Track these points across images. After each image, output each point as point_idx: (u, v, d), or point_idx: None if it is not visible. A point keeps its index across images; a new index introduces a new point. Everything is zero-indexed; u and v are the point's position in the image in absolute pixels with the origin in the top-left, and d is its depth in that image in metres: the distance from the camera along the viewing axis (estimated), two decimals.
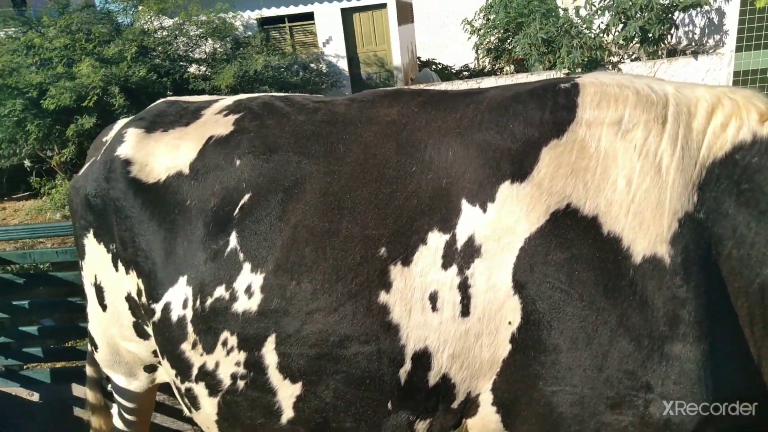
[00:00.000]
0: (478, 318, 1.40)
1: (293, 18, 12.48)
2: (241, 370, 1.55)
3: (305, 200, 1.53)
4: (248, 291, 1.52)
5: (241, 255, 1.54)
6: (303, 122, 1.67)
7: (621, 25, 8.78)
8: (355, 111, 1.66)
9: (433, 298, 1.41)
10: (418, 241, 1.43)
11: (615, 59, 9.28)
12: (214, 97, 2.02)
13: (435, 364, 1.43)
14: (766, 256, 1.34)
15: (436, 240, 1.42)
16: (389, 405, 1.48)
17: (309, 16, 12.38)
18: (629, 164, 1.35)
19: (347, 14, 12.37)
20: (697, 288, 1.31)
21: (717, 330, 1.36)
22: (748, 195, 1.33)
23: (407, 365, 1.44)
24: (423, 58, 15.61)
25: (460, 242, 1.41)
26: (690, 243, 1.32)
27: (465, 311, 1.40)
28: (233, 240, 1.56)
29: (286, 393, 1.52)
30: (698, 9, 8.69)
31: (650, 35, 8.57)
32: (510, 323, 1.38)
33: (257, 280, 1.51)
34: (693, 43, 9.39)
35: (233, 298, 1.54)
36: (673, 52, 9.38)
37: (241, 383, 1.57)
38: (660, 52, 9.09)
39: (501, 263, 1.38)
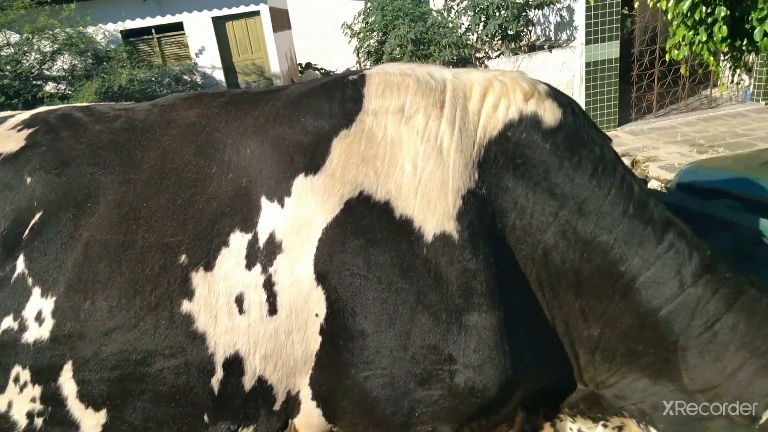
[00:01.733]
0: (286, 315, 1.39)
1: (161, 29, 11.93)
2: (38, 406, 1.43)
3: (98, 213, 1.44)
4: (38, 318, 1.41)
5: (30, 279, 1.43)
6: (100, 131, 1.58)
7: (482, 24, 9.27)
8: (155, 116, 1.60)
9: (240, 301, 1.39)
10: (221, 244, 1.40)
11: (481, 56, 9.77)
12: (12, 113, 1.86)
13: (248, 368, 1.41)
14: (545, 224, 1.45)
15: (239, 241, 1.40)
16: (205, 418, 1.43)
17: (178, 27, 11.90)
18: (414, 148, 1.40)
19: (219, 23, 12.03)
20: (486, 259, 1.39)
21: (510, 297, 1.45)
22: (523, 169, 1.43)
23: (219, 374, 1.40)
24: (304, 65, 15.57)
25: (262, 240, 1.39)
26: (475, 218, 1.39)
27: (272, 310, 1.39)
28: (20, 264, 1.44)
29: (90, 423, 1.42)
30: (550, 6, 9.37)
31: (509, 32, 9.12)
32: (317, 315, 1.39)
33: (48, 304, 1.41)
34: (549, 39, 10.10)
35: (22, 327, 1.41)
36: (532, 48, 10.04)
37: (39, 421, 1.44)
38: (522, 48, 9.69)
39: (302, 256, 1.38)
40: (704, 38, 4.37)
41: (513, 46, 9.50)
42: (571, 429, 1.85)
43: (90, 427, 1.42)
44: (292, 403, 1.48)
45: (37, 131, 1.63)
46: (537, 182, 1.43)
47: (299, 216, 1.39)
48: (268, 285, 1.38)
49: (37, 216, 1.48)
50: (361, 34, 12.31)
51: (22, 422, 1.46)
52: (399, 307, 1.36)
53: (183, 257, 1.39)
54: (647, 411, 1.58)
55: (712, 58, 4.64)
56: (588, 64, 8.97)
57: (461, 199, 1.38)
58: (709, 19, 4.33)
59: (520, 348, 1.48)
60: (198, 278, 1.38)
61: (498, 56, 9.59)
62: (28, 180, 1.52)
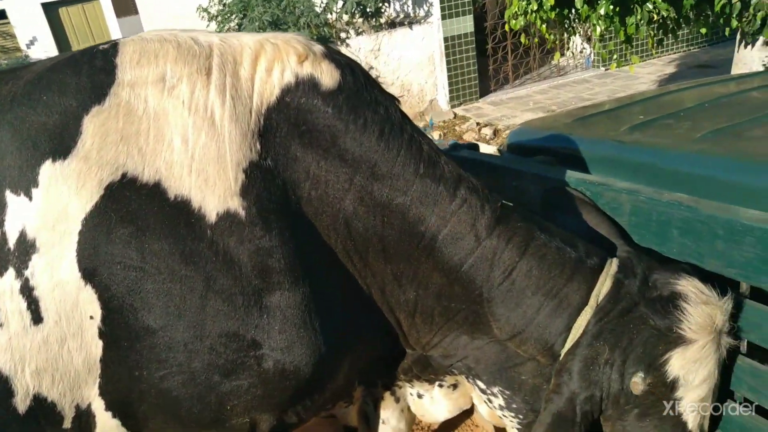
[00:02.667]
0: (55, 321, 1.22)
1: None
2: None
3: None
4: None
5: None
6: None
7: (341, 3, 9.18)
8: None
9: None
10: None
11: (343, 35, 9.70)
12: None
13: (18, 387, 1.22)
14: (341, 192, 1.39)
15: None
16: None
17: (1, 15, 10.60)
18: (181, 121, 1.27)
19: (51, 9, 10.86)
20: (280, 235, 1.30)
21: (315, 271, 1.38)
22: (308, 136, 1.36)
23: None
24: None
25: (12, 241, 1.20)
26: (262, 192, 1.30)
27: (37, 318, 1.21)
28: None
29: None
30: None
31: (368, 10, 9.12)
32: (92, 318, 1.23)
33: None
34: (408, 15, 10.26)
35: None
36: (393, 24, 10.14)
37: None
38: (382, 26, 9.75)
39: (62, 254, 1.21)
40: (535, 7, 4.63)
41: (374, 23, 9.53)
42: (411, 394, 1.86)
43: None
44: (86, 418, 1.31)
45: None
46: (326, 149, 1.36)
47: (52, 208, 1.21)
48: (27, 290, 1.20)
49: None
50: (219, 18, 11.73)
51: None
52: (186, 296, 1.24)
53: None
54: (471, 365, 1.62)
55: (544, 27, 4.93)
56: (446, 39, 9.24)
57: (243, 173, 1.28)
58: None
59: (334, 322, 1.42)
60: None
61: (359, 35, 9.57)
62: None
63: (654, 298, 1.39)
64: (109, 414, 1.31)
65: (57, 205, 1.21)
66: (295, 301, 1.32)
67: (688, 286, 1.37)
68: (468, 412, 3.16)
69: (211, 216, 1.26)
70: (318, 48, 1.41)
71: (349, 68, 1.42)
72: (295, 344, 1.33)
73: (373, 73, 8.68)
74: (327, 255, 1.42)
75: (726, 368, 1.58)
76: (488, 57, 9.92)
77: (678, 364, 1.31)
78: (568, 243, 1.50)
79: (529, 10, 4.69)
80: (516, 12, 4.95)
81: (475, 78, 9.67)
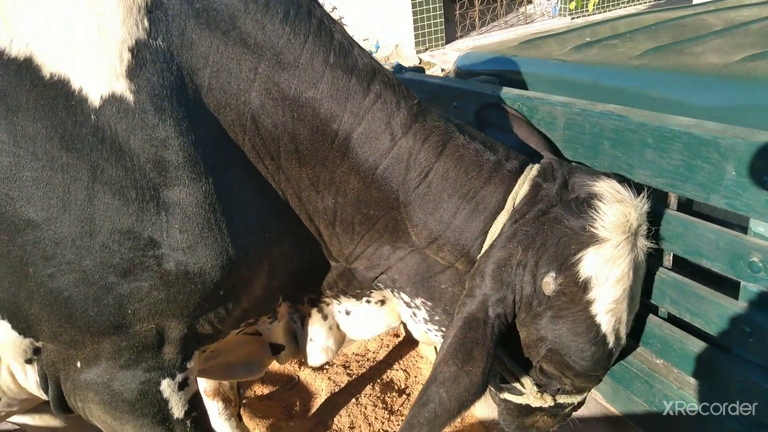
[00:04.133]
0: None
1: None
2: None
3: None
4: None
5: None
6: None
7: None
8: None
9: None
10: None
11: None
12: None
13: None
14: (246, 82, 1.28)
15: None
16: None
17: None
18: None
19: None
20: (177, 125, 1.20)
21: (219, 169, 1.28)
22: (205, 15, 1.23)
23: None
24: None
25: None
26: (154, 76, 1.18)
27: None
28: None
29: None
30: None
31: None
32: None
33: None
34: None
35: None
36: None
37: None
38: None
39: None
40: None
41: None
42: (339, 312, 1.81)
43: None
44: None
45: None
46: (225, 31, 1.25)
47: None
48: None
49: None
50: None
51: None
52: (70, 186, 1.14)
53: None
54: (395, 277, 1.57)
55: None
56: None
57: (129, 52, 1.16)
58: None
59: (244, 225, 1.34)
60: None
61: None
62: None
63: (570, 200, 1.35)
64: None
65: None
66: (197, 198, 1.23)
67: (605, 186, 1.34)
68: (408, 342, 3.19)
69: (95, 99, 1.15)
70: None
71: None
72: (198, 245, 1.25)
73: (336, 15, 8.38)
74: (233, 153, 1.32)
75: (649, 282, 1.58)
76: (455, 2, 9.69)
77: (590, 262, 1.27)
78: (489, 146, 1.44)
79: None
80: None
81: (441, 24, 9.45)
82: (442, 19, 9.44)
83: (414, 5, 9.10)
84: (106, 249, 1.19)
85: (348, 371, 3.09)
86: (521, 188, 1.38)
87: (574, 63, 2.09)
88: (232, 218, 1.30)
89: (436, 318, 1.57)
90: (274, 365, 3.01)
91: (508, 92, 1.91)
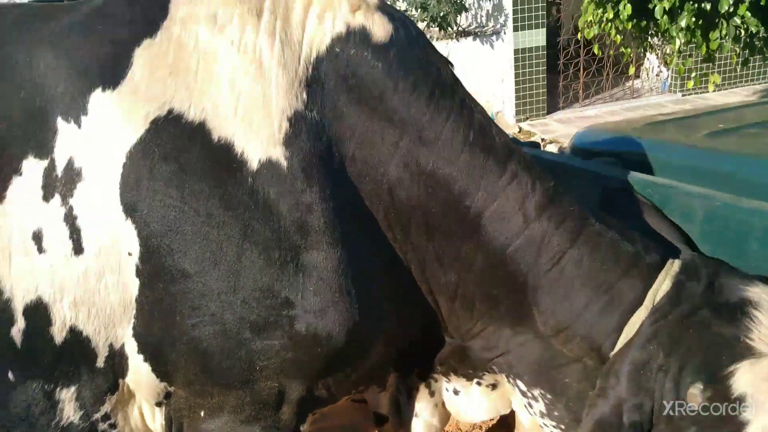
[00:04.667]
0: (95, 254, 1.22)
1: None
2: None
3: None
4: None
5: None
6: None
7: (415, 11, 9.20)
8: None
9: (38, 238, 1.20)
10: (12, 173, 1.21)
11: None
12: None
13: (56, 316, 1.22)
14: (386, 155, 1.33)
15: (34, 168, 1.21)
16: (10, 376, 1.24)
17: None
18: (230, 62, 1.25)
19: None
20: (322, 192, 1.26)
21: (355, 236, 1.32)
22: (357, 91, 1.31)
23: (20, 323, 1.21)
24: None
25: (60, 168, 1.21)
26: (306, 144, 1.25)
27: (78, 248, 1.21)
28: None
29: None
30: None
31: (441, 19, 9.11)
32: (130, 254, 1.22)
33: None
34: (481, 25, 10.18)
35: None
36: (464, 34, 10.08)
37: None
38: (452, 36, 9.71)
39: (105, 185, 1.21)
40: (611, 16, 4.45)
41: (447, 32, 9.49)
42: (447, 390, 1.76)
43: None
44: (119, 360, 1.31)
45: None
46: (373, 107, 1.31)
47: (98, 138, 1.21)
48: (70, 219, 1.20)
49: None
50: None
51: None
52: (223, 243, 1.22)
53: None
54: (513, 363, 1.52)
55: (619, 37, 4.73)
56: (516, 51, 9.08)
57: (288, 121, 1.24)
58: None
59: (370, 293, 1.36)
60: None
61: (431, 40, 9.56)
62: None
63: (720, 304, 1.25)
64: (140, 357, 1.30)
65: (103, 134, 1.21)
66: (332, 263, 1.27)
67: (761, 292, 1.23)
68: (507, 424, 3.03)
69: (253, 163, 1.23)
70: (372, 0, 1.37)
71: (402, 23, 1.36)
72: (329, 309, 1.28)
73: None
74: (368, 222, 1.36)
75: None
76: (559, 73, 9.68)
77: (745, 379, 1.16)
78: (626, 236, 1.39)
79: (605, 19, 4.51)
80: (590, 20, 4.77)
81: (543, 93, 9.45)
82: (545, 90, 9.44)
83: (517, 75, 9.20)
84: (246, 305, 1.24)
85: None
86: (662, 284, 1.31)
87: (710, 151, 2.00)
88: (361, 285, 1.33)
89: (556, 414, 1.49)
90: None
91: (635, 176, 1.84)
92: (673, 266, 1.35)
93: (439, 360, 1.65)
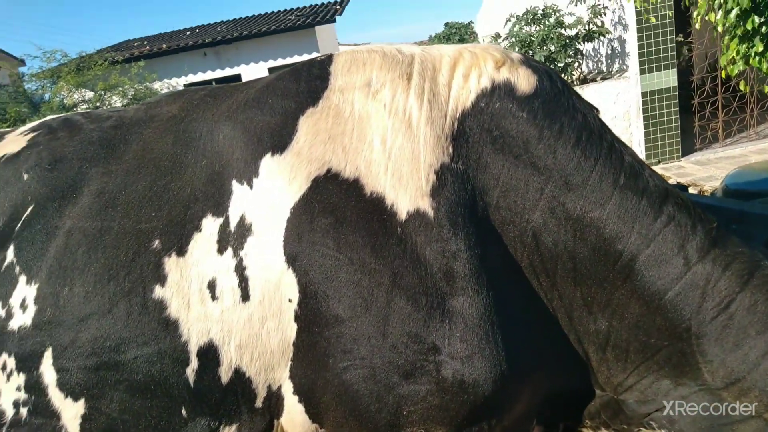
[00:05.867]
0: (259, 301, 1.33)
1: (220, 81, 12.66)
2: (23, 395, 1.41)
3: (81, 203, 1.46)
4: (23, 305, 1.41)
5: (17, 268, 1.45)
6: (92, 130, 1.64)
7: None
8: (141, 113, 1.64)
9: (212, 287, 1.34)
10: (193, 229, 1.38)
11: None
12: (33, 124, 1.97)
13: (224, 358, 1.34)
14: (531, 202, 1.33)
15: (211, 225, 1.37)
16: (183, 412, 1.37)
17: (237, 78, 12.60)
18: (382, 123, 1.34)
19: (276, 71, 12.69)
20: (467, 240, 1.29)
21: (500, 282, 1.33)
22: (501, 142, 1.34)
23: (194, 363, 1.34)
24: None
25: (233, 224, 1.36)
26: (452, 195, 1.30)
27: (245, 296, 1.33)
28: (10, 254, 1.47)
29: (70, 414, 1.37)
30: (601, 37, 9.22)
31: (558, 64, 9.01)
32: (290, 300, 1.32)
33: (31, 291, 1.41)
34: (601, 71, 9.90)
35: (9, 315, 1.42)
36: (584, 80, 9.85)
37: (24, 411, 1.42)
38: (573, 82, 9.53)
39: (271, 239, 1.33)
40: (760, 48, 4.12)
41: (570, 80, 9.36)
42: None
43: (70, 417, 1.38)
44: (275, 400, 1.39)
45: (39, 134, 1.69)
46: (518, 155, 1.32)
47: (267, 196, 1.34)
48: (240, 269, 1.33)
49: (29, 209, 1.51)
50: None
51: (9, 412, 1.44)
52: (374, 290, 1.27)
53: (156, 242, 1.37)
54: (674, 418, 1.39)
55: None
56: (644, 94, 8.69)
57: (435, 174, 1.30)
58: (764, 29, 4.09)
59: (515, 340, 1.34)
60: (170, 263, 1.35)
61: None
62: (25, 177, 1.57)
63: None
64: (295, 398, 1.37)
65: (271, 193, 1.35)
66: (478, 309, 1.27)
67: None
68: None
69: (402, 214, 1.29)
70: (516, 56, 1.41)
71: (547, 74, 1.39)
72: (476, 355, 1.27)
73: None
74: (512, 268, 1.35)
75: None
76: (693, 113, 9.05)
77: None
78: None
79: (752, 53, 4.18)
80: (734, 57, 4.45)
81: (676, 135, 8.87)
82: (678, 131, 8.86)
83: (646, 117, 8.75)
84: (395, 350, 1.27)
85: None
86: None
87: None
88: (507, 332, 1.31)
89: None
90: None
91: None
92: None
93: (588, 414, 1.55)
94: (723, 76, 4.83)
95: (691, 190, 7.71)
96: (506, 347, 1.30)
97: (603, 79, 9.21)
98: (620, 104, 9.01)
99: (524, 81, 1.35)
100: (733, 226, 1.89)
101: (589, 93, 9.08)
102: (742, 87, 5.36)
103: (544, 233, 1.33)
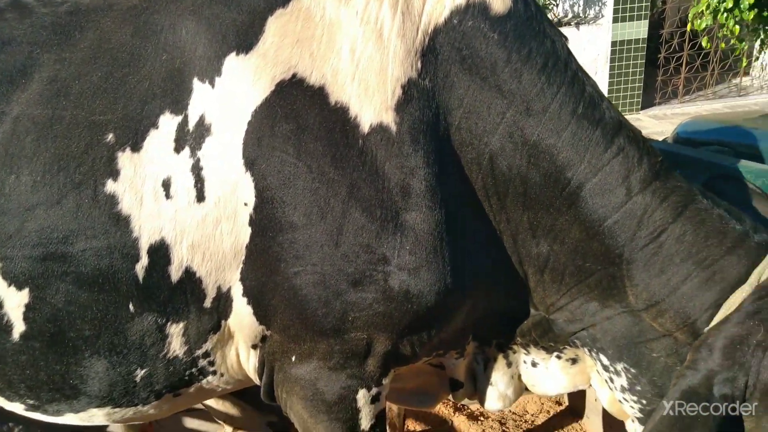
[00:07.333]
0: (215, 202, 1.34)
1: None
2: None
3: (31, 89, 1.40)
4: None
5: None
6: (45, 14, 1.53)
7: None
8: (100, 0, 1.55)
9: (167, 185, 1.34)
10: (149, 126, 1.35)
11: None
12: None
13: (175, 256, 1.36)
14: (492, 125, 1.36)
15: (168, 123, 1.34)
16: (130, 307, 1.38)
17: None
18: (352, 31, 1.32)
19: None
20: (426, 157, 1.31)
21: (453, 201, 1.37)
22: (469, 62, 1.34)
23: (144, 260, 1.35)
24: None
25: (192, 123, 1.34)
26: (416, 111, 1.31)
27: (200, 196, 1.34)
28: None
29: (13, 302, 1.37)
30: None
31: None
32: (246, 204, 1.33)
33: None
34: (577, 15, 9.82)
35: None
36: (558, 24, 9.77)
37: None
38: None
39: (230, 140, 1.32)
40: (730, 5, 4.17)
41: None
42: (525, 362, 1.77)
43: (13, 306, 1.38)
44: (224, 301, 1.43)
45: None
46: (484, 77, 1.34)
47: (229, 97, 1.32)
48: (196, 169, 1.33)
49: None
50: None
51: None
52: (330, 199, 1.30)
53: (110, 136, 1.34)
54: (597, 336, 1.51)
55: (738, 28, 4.42)
56: (614, 43, 8.70)
57: (401, 88, 1.30)
58: None
59: (462, 257, 1.40)
60: (124, 158, 1.33)
61: None
62: None
63: None
64: (244, 300, 1.41)
65: (234, 94, 1.33)
66: (429, 225, 1.32)
67: None
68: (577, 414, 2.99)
69: (365, 126, 1.30)
70: None
71: None
72: (423, 268, 1.33)
73: None
74: (465, 189, 1.40)
75: None
76: (658, 67, 9.18)
77: None
78: (734, 215, 1.35)
79: (722, 9, 4.23)
80: (703, 11, 4.50)
81: (639, 88, 9.00)
82: (641, 84, 8.99)
83: (612, 66, 8.81)
84: (346, 258, 1.32)
85: (504, 428, 2.99)
86: None
87: None
88: (454, 249, 1.37)
89: (638, 388, 1.47)
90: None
91: (747, 165, 1.76)
92: None
93: (521, 332, 1.67)
94: (689, 29, 4.88)
95: None
96: (452, 263, 1.37)
97: (577, 24, 9.14)
98: (590, 51, 9.01)
99: (499, 1, 1.35)
100: (678, 172, 1.98)
101: None
102: (704, 43, 5.45)
103: (500, 157, 1.37)
